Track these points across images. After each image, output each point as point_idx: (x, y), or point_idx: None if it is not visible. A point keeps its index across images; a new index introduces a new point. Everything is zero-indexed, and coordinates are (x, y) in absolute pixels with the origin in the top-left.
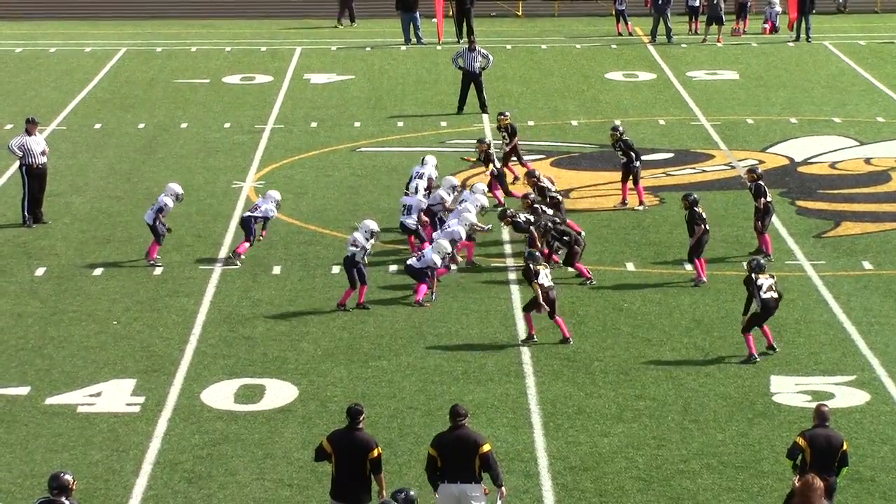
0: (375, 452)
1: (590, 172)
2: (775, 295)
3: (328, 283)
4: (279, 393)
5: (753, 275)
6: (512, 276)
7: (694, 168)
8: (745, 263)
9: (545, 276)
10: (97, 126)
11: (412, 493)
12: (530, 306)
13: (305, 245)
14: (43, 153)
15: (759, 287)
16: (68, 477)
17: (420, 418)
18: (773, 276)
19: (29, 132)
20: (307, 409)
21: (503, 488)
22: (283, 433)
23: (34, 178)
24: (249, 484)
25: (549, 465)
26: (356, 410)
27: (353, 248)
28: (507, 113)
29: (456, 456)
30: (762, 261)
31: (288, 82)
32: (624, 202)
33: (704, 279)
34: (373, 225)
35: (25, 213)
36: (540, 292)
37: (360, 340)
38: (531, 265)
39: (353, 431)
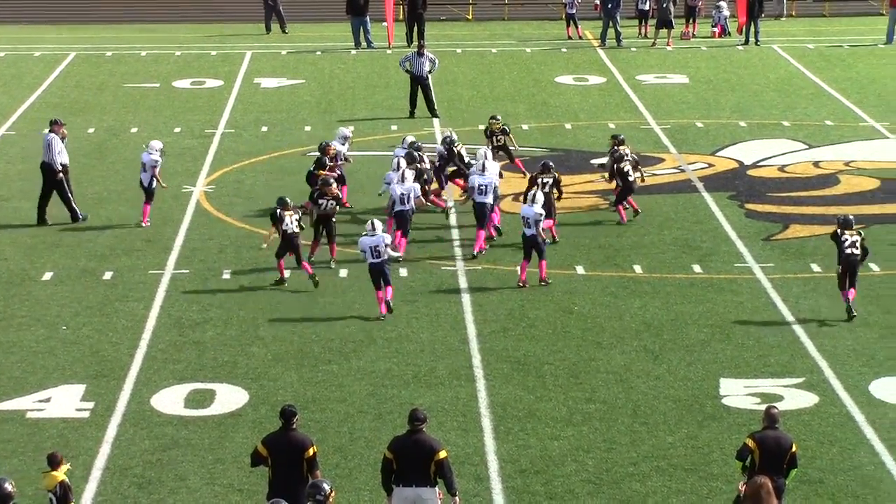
0: (311, 451)
1: None
2: (857, 251)
3: (278, 288)
4: (229, 397)
5: (840, 230)
6: (462, 280)
7: (644, 171)
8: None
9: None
10: (46, 131)
11: (325, 485)
12: None
13: (256, 249)
14: None
15: (843, 241)
16: (8, 486)
17: (370, 422)
18: (860, 234)
19: None
20: (258, 414)
21: (457, 498)
22: (234, 438)
23: None
24: (200, 489)
25: (500, 468)
26: (290, 411)
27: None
28: (498, 117)
29: (412, 460)
30: (850, 217)
31: (238, 86)
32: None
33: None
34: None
35: None
36: None
37: (310, 344)
38: None
39: (287, 432)
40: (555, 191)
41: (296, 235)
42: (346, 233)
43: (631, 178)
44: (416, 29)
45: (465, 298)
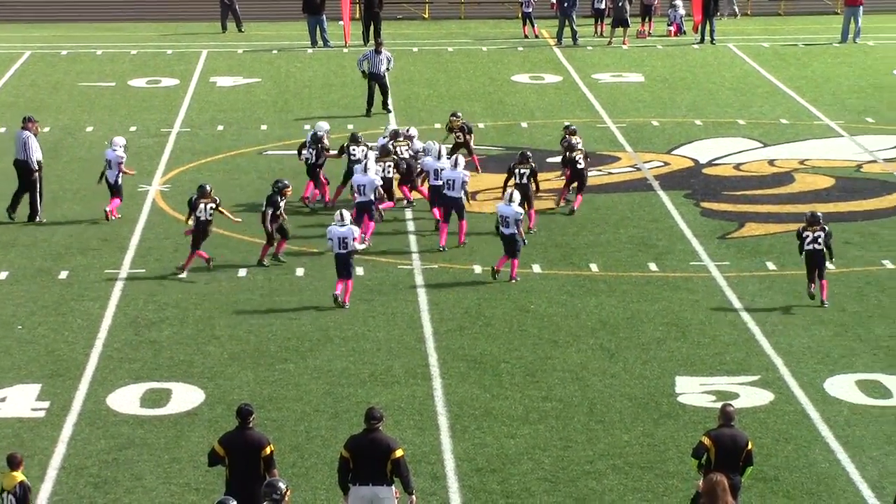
0: (268, 450)
1: (496, 175)
2: (819, 246)
3: (234, 286)
4: (185, 397)
5: (803, 228)
6: (419, 278)
7: (600, 170)
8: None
9: None
10: (2, 130)
11: (281, 484)
12: None
13: (211, 248)
14: None
15: (805, 238)
16: None
17: (327, 421)
18: (824, 230)
19: None
20: (214, 413)
21: (414, 497)
22: (190, 437)
23: None
24: (156, 488)
25: (456, 466)
26: (246, 410)
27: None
28: (458, 114)
29: (369, 459)
30: (818, 214)
31: (194, 85)
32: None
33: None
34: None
35: None
36: None
37: (266, 343)
38: None
39: (244, 431)
40: (532, 182)
41: (208, 223)
42: (302, 234)
43: (581, 166)
44: (372, 28)
45: (422, 297)
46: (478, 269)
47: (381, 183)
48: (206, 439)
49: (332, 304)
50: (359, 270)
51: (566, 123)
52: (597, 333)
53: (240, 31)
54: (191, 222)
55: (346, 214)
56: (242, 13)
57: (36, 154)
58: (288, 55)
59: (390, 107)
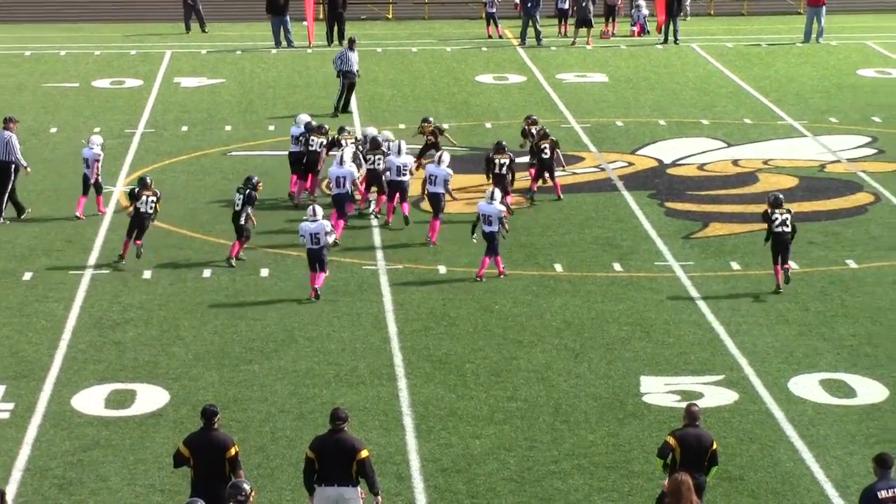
0: (233, 451)
1: (461, 176)
2: (787, 228)
3: (199, 286)
4: (150, 398)
5: (770, 209)
6: (383, 279)
7: (564, 170)
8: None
9: None
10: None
11: (246, 485)
12: None
13: (176, 249)
14: None
15: (774, 220)
16: None
17: (292, 422)
18: (789, 212)
19: None
20: (178, 414)
21: (379, 497)
22: (155, 438)
23: None
24: (121, 489)
25: (421, 467)
26: (211, 411)
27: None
28: (430, 119)
29: (334, 460)
30: (780, 195)
31: (158, 86)
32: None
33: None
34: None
35: None
36: None
37: (231, 344)
38: None
39: (209, 432)
40: (510, 173)
41: (148, 216)
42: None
43: (546, 155)
44: (336, 28)
45: (387, 297)
46: (443, 269)
47: (361, 175)
48: (172, 440)
49: (303, 302)
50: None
51: (528, 115)
52: (561, 333)
53: (203, 31)
54: (130, 210)
55: (318, 210)
56: (206, 14)
57: (17, 154)
58: (252, 56)
59: (351, 108)
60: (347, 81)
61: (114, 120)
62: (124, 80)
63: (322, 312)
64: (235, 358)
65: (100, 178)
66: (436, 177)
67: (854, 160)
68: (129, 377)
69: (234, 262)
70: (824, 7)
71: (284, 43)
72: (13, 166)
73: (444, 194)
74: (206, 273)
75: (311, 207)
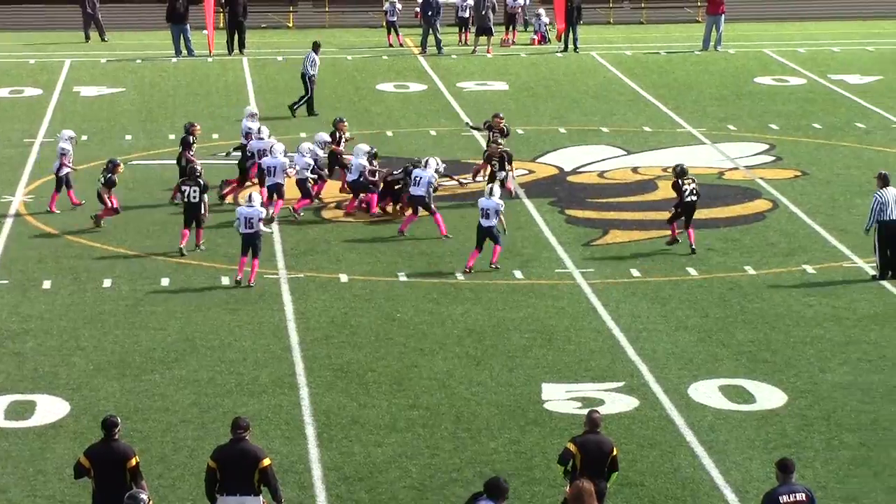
0: (133, 461)
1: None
2: (695, 196)
3: (99, 296)
4: (50, 409)
5: (678, 179)
6: (285, 288)
7: (466, 178)
8: (671, 169)
9: None
10: None
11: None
12: None
13: (76, 259)
14: None
15: (684, 190)
16: None
17: (193, 431)
18: (694, 181)
19: None
20: (79, 425)
21: None
22: (55, 449)
23: None
24: (20, 501)
25: (324, 475)
26: (111, 422)
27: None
28: (344, 119)
29: (236, 469)
30: (684, 165)
31: (58, 95)
32: None
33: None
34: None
35: None
36: None
37: (132, 354)
38: None
39: (109, 443)
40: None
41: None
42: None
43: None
44: (237, 37)
45: (288, 306)
46: (344, 277)
47: (295, 169)
48: (72, 451)
49: (235, 286)
50: (223, 280)
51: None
52: (463, 341)
53: (103, 40)
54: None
55: (256, 196)
56: (105, 22)
57: None
58: (152, 65)
59: (295, 113)
60: (312, 83)
61: (12, 129)
62: (23, 88)
63: (223, 321)
64: (136, 368)
65: (64, 172)
66: (420, 178)
67: (752, 167)
68: (29, 388)
69: (202, 246)
70: (723, 15)
71: (185, 52)
72: None
73: (427, 196)
74: (107, 283)
75: (249, 194)
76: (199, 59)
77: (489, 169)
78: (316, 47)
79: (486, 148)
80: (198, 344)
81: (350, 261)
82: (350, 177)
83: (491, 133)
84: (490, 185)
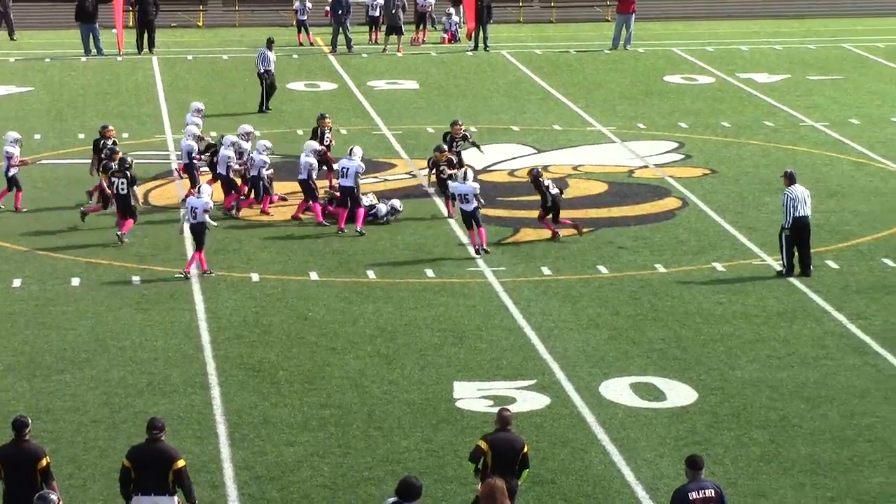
0: (44, 462)
1: (278, 183)
2: (557, 191)
3: (8, 296)
4: None
5: (540, 178)
6: (196, 287)
7: (376, 177)
8: (527, 172)
9: None
10: None
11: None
12: None
13: None
14: None
15: (547, 187)
16: None
17: (104, 432)
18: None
19: None
20: None
21: None
22: None
23: None
24: None
25: (235, 475)
26: (21, 422)
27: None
28: (326, 116)
29: (151, 469)
30: (540, 168)
31: None
32: None
33: None
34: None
35: None
36: None
37: (42, 354)
38: None
39: (19, 444)
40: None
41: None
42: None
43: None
44: (146, 35)
45: (199, 306)
46: (255, 277)
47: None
48: None
49: (181, 278)
50: (135, 279)
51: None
52: (374, 340)
53: (12, 39)
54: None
55: (205, 189)
56: (14, 21)
57: None
58: (61, 63)
59: (267, 107)
60: (268, 81)
61: None
62: None
63: (134, 321)
64: (46, 368)
65: (12, 173)
66: (347, 169)
67: (661, 165)
68: None
69: (125, 238)
70: (633, 14)
71: (94, 51)
72: None
73: (356, 187)
74: (16, 283)
75: (199, 186)
76: (108, 57)
77: (435, 176)
78: (269, 43)
79: (431, 155)
80: (109, 344)
81: (262, 260)
82: (301, 175)
83: (454, 145)
84: (463, 170)
